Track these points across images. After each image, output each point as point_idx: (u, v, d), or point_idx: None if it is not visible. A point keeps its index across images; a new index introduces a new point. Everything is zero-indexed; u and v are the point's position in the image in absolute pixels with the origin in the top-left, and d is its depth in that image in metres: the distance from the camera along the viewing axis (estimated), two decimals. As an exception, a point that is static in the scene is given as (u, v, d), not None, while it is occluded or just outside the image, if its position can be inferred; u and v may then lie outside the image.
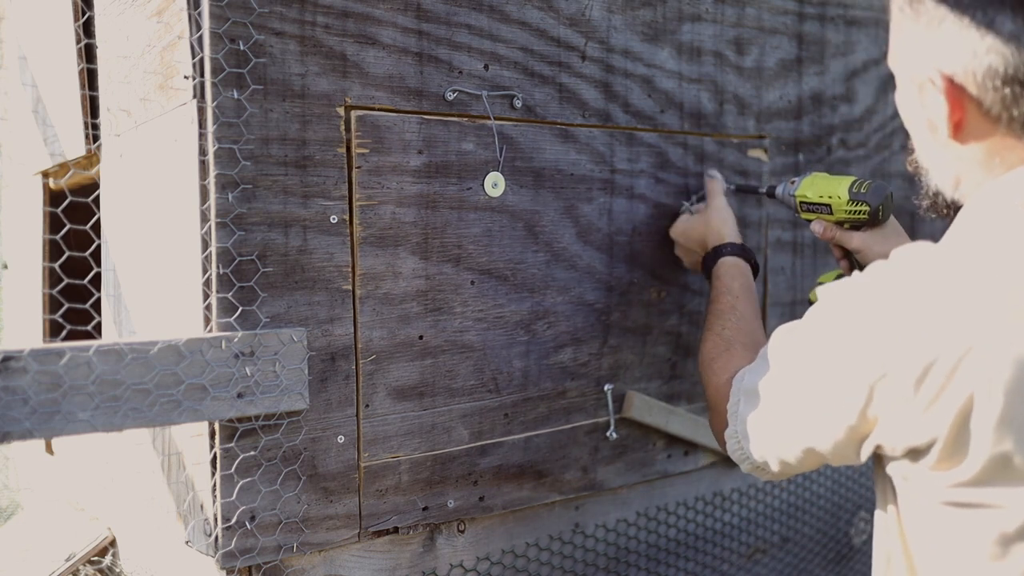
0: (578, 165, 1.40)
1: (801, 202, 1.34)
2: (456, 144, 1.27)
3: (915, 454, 0.83)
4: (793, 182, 1.37)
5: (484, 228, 1.30)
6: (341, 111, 1.17)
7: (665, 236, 1.50)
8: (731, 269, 1.33)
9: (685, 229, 1.45)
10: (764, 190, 1.45)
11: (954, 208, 0.96)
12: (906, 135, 1.84)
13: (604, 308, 1.44)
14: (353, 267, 1.19)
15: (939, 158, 0.93)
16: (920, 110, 0.93)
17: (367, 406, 1.20)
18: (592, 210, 1.42)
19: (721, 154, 1.58)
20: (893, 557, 0.93)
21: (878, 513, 0.96)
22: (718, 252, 1.36)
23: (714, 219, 1.40)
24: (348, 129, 1.18)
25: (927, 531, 0.87)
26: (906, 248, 0.88)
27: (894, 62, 0.97)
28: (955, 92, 0.87)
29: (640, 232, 1.48)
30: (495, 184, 1.30)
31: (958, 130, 0.88)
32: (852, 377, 0.84)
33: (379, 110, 1.20)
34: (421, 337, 1.25)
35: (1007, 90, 0.84)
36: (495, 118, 1.30)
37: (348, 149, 1.18)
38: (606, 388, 1.45)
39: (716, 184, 1.47)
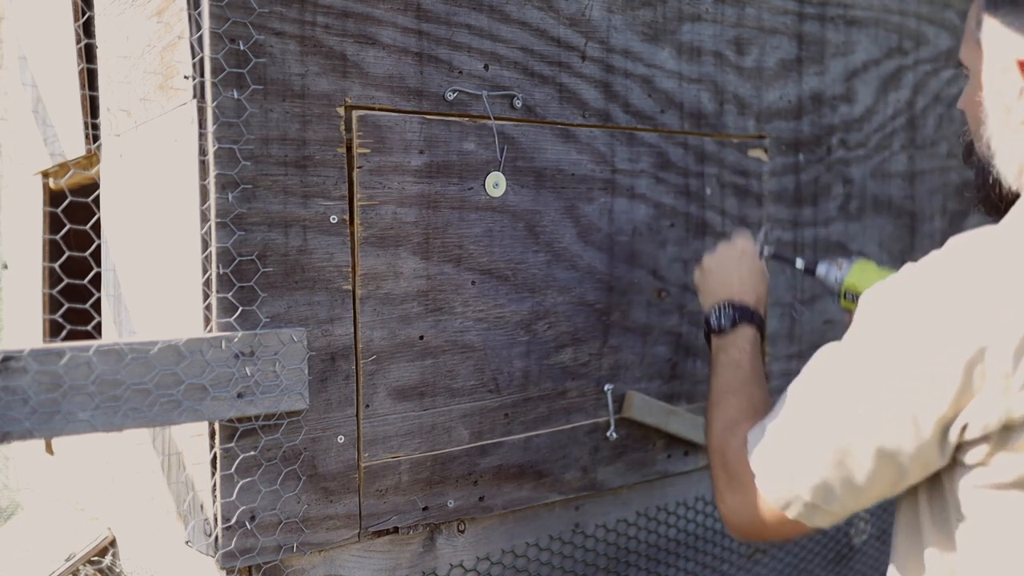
0: (579, 165, 1.40)
1: (847, 291, 1.25)
2: (457, 144, 1.27)
3: (1006, 431, 0.81)
4: (840, 267, 1.27)
5: (485, 228, 1.30)
6: (341, 111, 1.17)
7: (666, 236, 1.50)
8: (755, 338, 1.22)
9: (722, 259, 1.30)
10: (801, 266, 1.33)
11: (1007, 202, 0.96)
12: (909, 133, 1.83)
13: (604, 308, 1.44)
14: (354, 267, 1.19)
15: (1008, 143, 0.94)
16: (998, 94, 0.94)
17: (367, 406, 1.20)
18: (593, 210, 1.42)
19: (721, 154, 1.58)
20: (927, 540, 0.90)
21: (906, 503, 0.94)
22: (749, 314, 1.23)
23: (754, 270, 1.29)
24: (349, 129, 1.18)
25: (986, 516, 0.85)
26: (966, 234, 0.87)
27: (967, 53, 1.00)
28: None
29: (641, 232, 1.48)
30: (496, 184, 1.30)
31: None
32: (943, 361, 0.81)
33: (379, 110, 1.20)
34: (422, 337, 1.25)
35: None
36: (495, 118, 1.30)
37: (349, 149, 1.18)
38: (606, 388, 1.45)
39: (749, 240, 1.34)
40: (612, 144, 1.43)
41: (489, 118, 1.29)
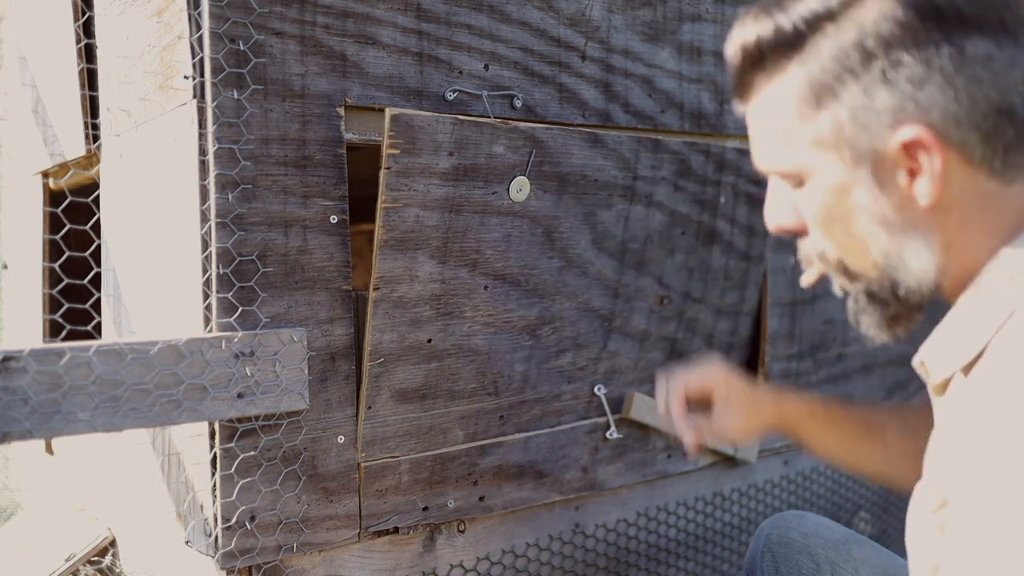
0: (603, 171, 1.38)
1: None
2: (487, 147, 1.24)
3: None
4: None
5: (504, 233, 1.29)
6: (341, 111, 1.17)
7: (676, 244, 1.49)
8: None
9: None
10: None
11: (917, 304, 0.81)
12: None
13: (608, 314, 1.44)
14: (369, 270, 1.18)
15: (913, 242, 0.77)
16: (875, 196, 0.77)
17: (369, 407, 1.20)
18: (610, 217, 1.41)
19: (740, 162, 1.57)
20: None
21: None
22: None
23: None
24: (349, 130, 1.17)
25: None
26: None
27: (796, 157, 0.81)
28: (937, 144, 0.73)
29: (652, 239, 1.47)
30: (520, 189, 1.28)
31: (942, 191, 0.74)
32: None
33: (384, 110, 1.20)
34: (429, 341, 1.24)
35: (990, 124, 0.72)
36: (495, 118, 1.30)
37: (349, 149, 1.18)
38: (596, 390, 1.44)
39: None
40: (637, 150, 1.41)
41: (489, 117, 1.29)
